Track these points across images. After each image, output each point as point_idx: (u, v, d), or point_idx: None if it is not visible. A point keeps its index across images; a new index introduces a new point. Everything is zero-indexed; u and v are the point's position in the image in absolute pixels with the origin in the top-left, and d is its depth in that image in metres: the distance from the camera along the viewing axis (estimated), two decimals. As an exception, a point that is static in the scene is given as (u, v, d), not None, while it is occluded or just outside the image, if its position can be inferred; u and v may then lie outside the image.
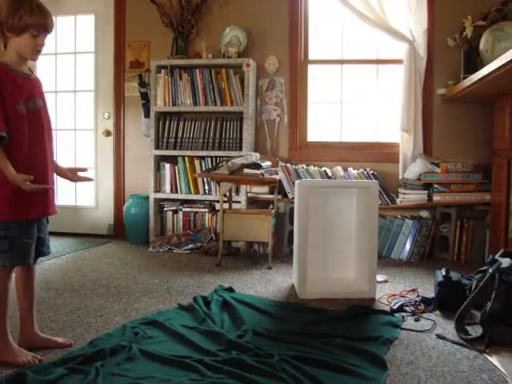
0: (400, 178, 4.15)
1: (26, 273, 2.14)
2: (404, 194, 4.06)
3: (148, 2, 4.57)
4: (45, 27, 2.01)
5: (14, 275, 2.10)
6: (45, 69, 4.98)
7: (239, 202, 4.24)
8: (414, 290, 3.00)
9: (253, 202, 4.34)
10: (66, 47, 5.02)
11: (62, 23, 4.92)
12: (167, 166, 4.51)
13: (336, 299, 2.85)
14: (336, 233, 3.24)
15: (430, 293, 2.91)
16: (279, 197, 4.12)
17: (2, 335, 2.01)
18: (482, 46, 3.72)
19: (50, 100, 2.30)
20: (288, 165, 4.21)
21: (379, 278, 3.22)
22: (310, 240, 3.02)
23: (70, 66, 5.04)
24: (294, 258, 3.23)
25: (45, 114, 2.11)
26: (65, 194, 4.97)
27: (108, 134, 4.91)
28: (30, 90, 2.02)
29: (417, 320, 2.52)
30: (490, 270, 2.29)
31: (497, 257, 2.39)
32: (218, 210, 3.91)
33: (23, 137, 1.98)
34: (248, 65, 4.27)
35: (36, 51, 2.03)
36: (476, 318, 2.34)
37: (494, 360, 2.03)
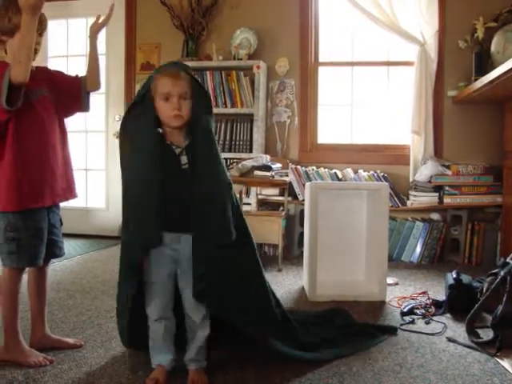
0: (411, 180, 4.14)
1: (38, 274, 2.14)
2: (415, 196, 4.05)
3: (159, 4, 4.60)
4: None
5: (26, 276, 2.11)
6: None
7: (249, 203, 4.25)
8: (424, 293, 2.98)
9: (263, 203, 4.34)
10: (77, 50, 5.03)
11: (72, 26, 4.94)
12: (177, 167, 4.51)
13: (346, 302, 2.84)
14: (346, 235, 3.24)
15: (441, 295, 2.89)
16: (289, 199, 4.12)
17: (13, 336, 2.01)
18: (493, 47, 3.70)
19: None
20: (298, 167, 4.21)
21: (389, 280, 3.20)
22: (321, 242, 3.01)
23: (81, 69, 5.04)
24: (304, 260, 3.22)
25: (49, 101, 2.09)
26: (76, 195, 5.00)
27: (119, 136, 4.93)
28: (28, 84, 1.92)
29: (427, 323, 2.51)
30: (502, 273, 2.27)
31: (508, 259, 2.36)
32: (228, 212, 3.91)
33: (25, 124, 1.97)
34: (258, 67, 4.27)
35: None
36: (487, 321, 2.32)
37: (505, 363, 2.01)
